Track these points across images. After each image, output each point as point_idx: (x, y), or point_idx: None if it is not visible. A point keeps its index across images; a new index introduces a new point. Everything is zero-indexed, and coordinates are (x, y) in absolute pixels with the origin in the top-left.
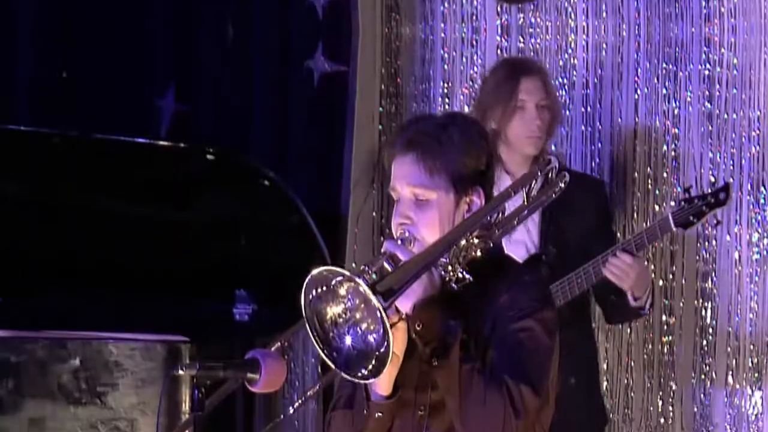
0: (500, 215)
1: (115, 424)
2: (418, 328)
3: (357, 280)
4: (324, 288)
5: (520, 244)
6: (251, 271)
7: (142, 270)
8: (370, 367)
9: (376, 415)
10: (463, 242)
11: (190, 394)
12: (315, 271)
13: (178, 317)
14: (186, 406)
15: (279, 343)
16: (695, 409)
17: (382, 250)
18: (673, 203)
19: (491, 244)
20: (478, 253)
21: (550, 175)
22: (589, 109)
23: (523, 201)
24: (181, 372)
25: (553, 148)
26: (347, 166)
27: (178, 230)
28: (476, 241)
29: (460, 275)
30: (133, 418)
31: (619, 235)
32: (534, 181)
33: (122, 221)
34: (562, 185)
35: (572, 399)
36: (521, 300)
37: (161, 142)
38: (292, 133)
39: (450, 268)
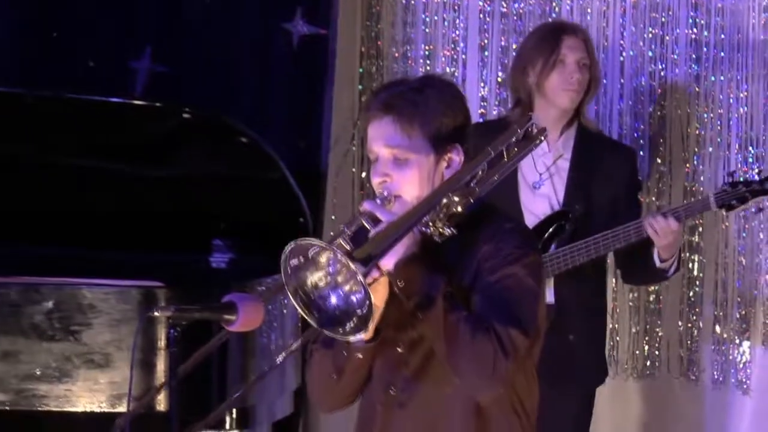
0: (481, 172)
1: (89, 358)
2: (400, 285)
3: (335, 250)
4: (302, 258)
5: (544, 198)
6: (230, 224)
7: (120, 223)
8: (352, 324)
9: (356, 356)
10: (444, 200)
11: (166, 333)
12: (292, 243)
13: (155, 267)
14: (161, 344)
15: (268, 294)
16: (682, 355)
17: (361, 210)
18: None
19: (472, 200)
20: (459, 209)
21: (529, 130)
22: None
23: (504, 157)
24: (156, 313)
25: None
26: (327, 124)
27: (156, 186)
28: (457, 198)
29: (441, 230)
30: (108, 352)
31: None
32: (514, 138)
33: (101, 178)
34: (543, 138)
35: (576, 351)
36: (504, 248)
37: (137, 102)
38: (272, 93)
39: (431, 224)
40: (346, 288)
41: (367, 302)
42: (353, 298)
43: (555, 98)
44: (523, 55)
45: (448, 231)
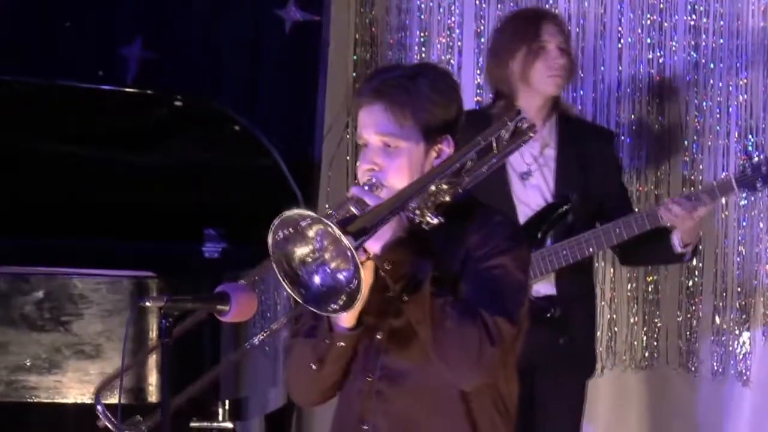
0: (470, 163)
1: (79, 349)
2: (387, 267)
3: (327, 221)
4: (291, 230)
5: (535, 189)
6: (222, 213)
7: (111, 211)
8: (341, 302)
9: (338, 344)
10: (433, 188)
11: (158, 323)
12: (284, 213)
13: (147, 256)
14: (153, 334)
15: (250, 278)
16: (681, 346)
17: (349, 195)
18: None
19: (460, 191)
20: (447, 199)
21: (519, 125)
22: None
23: (493, 149)
24: (148, 303)
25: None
26: (320, 111)
27: (147, 174)
28: (445, 187)
29: (429, 218)
30: (99, 343)
31: None
32: (504, 131)
33: (91, 166)
34: (532, 134)
35: (576, 343)
36: (494, 239)
37: (127, 89)
38: (265, 81)
39: (419, 212)
40: (333, 265)
41: (356, 278)
42: (340, 276)
43: (540, 86)
44: (502, 45)
45: (435, 220)
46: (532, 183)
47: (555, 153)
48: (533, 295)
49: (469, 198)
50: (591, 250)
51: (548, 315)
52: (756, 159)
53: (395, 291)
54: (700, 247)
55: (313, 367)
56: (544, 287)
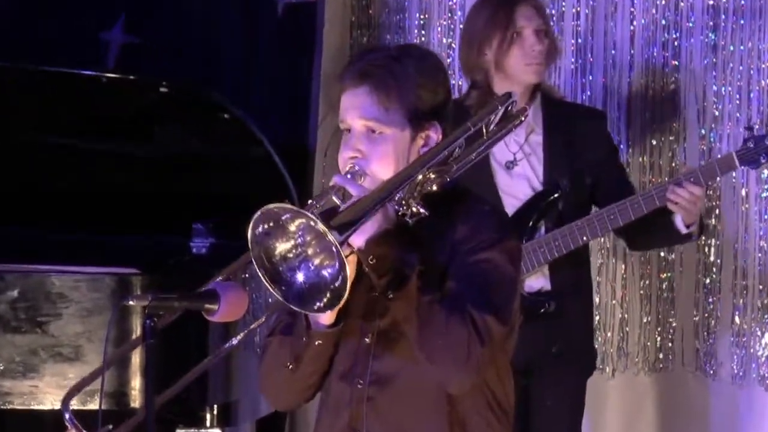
0: (458, 150)
1: (57, 351)
2: (371, 262)
3: (310, 215)
4: (272, 224)
5: (522, 178)
6: (212, 205)
7: (93, 204)
8: (325, 300)
9: (316, 343)
10: (420, 177)
11: (142, 324)
12: (264, 208)
13: (131, 251)
14: (137, 335)
15: (227, 272)
16: (698, 347)
17: (331, 184)
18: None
19: (448, 179)
20: (434, 188)
21: (509, 109)
22: (579, 40)
23: (483, 135)
24: (131, 302)
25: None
26: (315, 99)
27: (132, 165)
28: (433, 176)
29: (415, 210)
30: (78, 345)
31: None
32: (494, 116)
33: (72, 156)
34: (523, 119)
35: (573, 339)
36: (482, 231)
37: (110, 75)
38: (256, 66)
39: (404, 202)
40: (317, 261)
41: (341, 275)
42: (325, 273)
43: (519, 75)
44: (475, 33)
45: (421, 211)
46: (518, 172)
47: (542, 139)
48: (526, 290)
49: (456, 186)
50: (585, 238)
51: (542, 310)
52: (759, 132)
53: (380, 287)
54: (718, 243)
55: (289, 366)
56: (537, 281)
